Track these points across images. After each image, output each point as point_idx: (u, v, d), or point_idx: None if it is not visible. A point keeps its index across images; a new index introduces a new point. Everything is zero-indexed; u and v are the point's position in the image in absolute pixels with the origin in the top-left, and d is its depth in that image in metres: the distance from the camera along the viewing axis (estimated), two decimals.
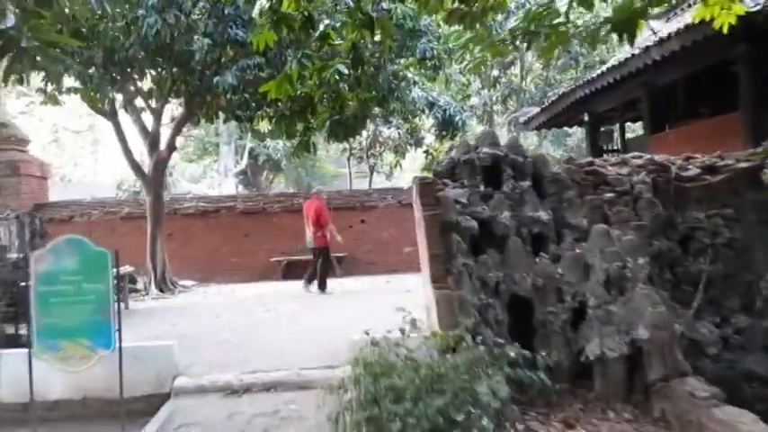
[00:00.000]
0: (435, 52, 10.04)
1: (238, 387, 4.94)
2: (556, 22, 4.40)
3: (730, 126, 7.78)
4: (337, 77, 5.48)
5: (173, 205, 13.67)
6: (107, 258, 4.53)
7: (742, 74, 7.44)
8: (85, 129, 28.64)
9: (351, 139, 15.14)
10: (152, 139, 11.62)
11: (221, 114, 10.91)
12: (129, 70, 10.17)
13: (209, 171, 29.41)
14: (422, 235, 5.21)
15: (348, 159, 20.60)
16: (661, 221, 5.39)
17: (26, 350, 4.51)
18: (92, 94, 10.08)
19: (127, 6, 8.45)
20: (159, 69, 10.44)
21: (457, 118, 13.61)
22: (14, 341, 5.76)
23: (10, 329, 6.14)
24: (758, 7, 5.93)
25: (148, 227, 11.55)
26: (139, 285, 11.35)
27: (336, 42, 5.99)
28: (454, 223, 5.05)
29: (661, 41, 7.40)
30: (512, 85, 20.53)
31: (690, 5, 9.25)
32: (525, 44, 4.54)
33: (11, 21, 3.51)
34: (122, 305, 8.59)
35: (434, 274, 4.88)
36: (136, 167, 11.86)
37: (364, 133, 17.02)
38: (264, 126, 13.07)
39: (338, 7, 7.76)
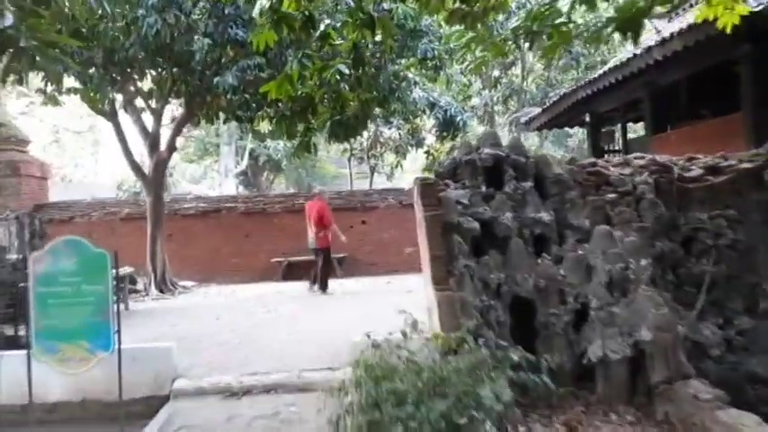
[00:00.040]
0: (436, 52, 10.02)
1: (238, 389, 4.92)
2: (558, 21, 4.37)
3: (733, 126, 7.74)
4: (338, 77, 5.45)
5: (173, 206, 13.65)
6: (106, 259, 4.50)
7: (745, 74, 7.40)
8: (86, 129, 28.64)
9: (351, 140, 15.12)
10: (152, 140, 11.60)
11: (222, 115, 10.89)
12: (129, 70, 10.15)
13: (209, 172, 29.41)
14: (423, 236, 5.18)
15: (349, 160, 20.59)
16: (664, 222, 5.35)
17: (25, 352, 4.48)
18: (92, 94, 10.06)
19: (127, 6, 8.44)
20: (159, 69, 10.42)
21: (458, 118, 13.60)
22: (14, 343, 5.74)
23: (9, 331, 6.12)
24: (761, 7, 5.89)
25: (148, 227, 11.53)
26: (139, 286, 11.33)
27: (337, 42, 5.96)
28: (456, 224, 5.02)
29: (663, 41, 7.37)
30: (513, 86, 20.50)
31: (691, 5, 9.22)
32: (527, 44, 4.51)
33: (8, 20, 3.48)
34: (122, 306, 8.57)
35: (436, 276, 4.85)
36: (136, 168, 11.85)
37: (365, 134, 17.00)
38: (265, 126, 13.06)
39: (339, 7, 7.74)
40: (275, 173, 26.18)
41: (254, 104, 10.08)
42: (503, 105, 21.24)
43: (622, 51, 14.22)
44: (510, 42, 4.81)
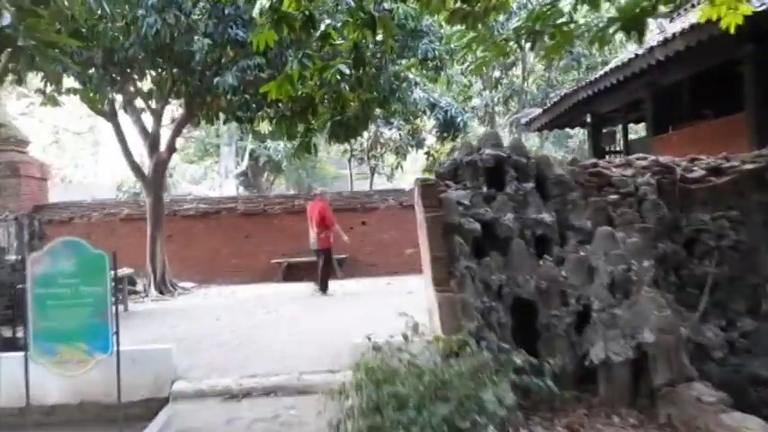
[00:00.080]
0: (437, 53, 10.00)
1: (238, 391, 4.89)
2: (560, 21, 4.35)
3: (735, 127, 7.70)
4: (338, 78, 5.42)
5: (173, 207, 13.63)
6: (105, 261, 4.47)
7: (747, 74, 7.36)
8: (86, 130, 28.64)
9: (352, 141, 15.12)
10: (152, 141, 11.58)
11: (222, 115, 10.87)
12: (128, 71, 10.12)
13: (209, 172, 29.39)
14: (424, 237, 5.15)
15: (349, 161, 20.57)
16: (666, 223, 5.32)
17: (23, 354, 4.45)
18: (91, 94, 10.04)
19: (126, 6, 8.41)
20: (159, 70, 10.40)
21: (458, 119, 13.59)
22: (12, 344, 5.72)
23: (7, 333, 6.10)
24: (765, 7, 5.86)
25: (148, 228, 11.50)
26: (139, 287, 11.31)
27: (338, 42, 5.94)
28: (457, 225, 4.99)
29: (665, 42, 7.33)
30: (513, 87, 20.46)
31: (693, 6, 9.19)
32: (529, 44, 4.48)
33: (6, 19, 3.46)
34: (121, 307, 8.54)
35: (437, 277, 4.82)
36: (136, 169, 11.82)
37: (365, 134, 17.00)
38: (265, 127, 13.04)
39: (339, 7, 7.71)
40: (275, 174, 26.15)
41: (254, 105, 10.05)
42: (503, 106, 21.20)
43: (623, 52, 14.19)
44: (512, 42, 4.77)
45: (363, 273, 13.21)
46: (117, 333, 4.49)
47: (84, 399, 4.90)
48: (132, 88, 11.06)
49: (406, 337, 3.87)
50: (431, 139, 18.65)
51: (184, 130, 14.64)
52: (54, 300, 4.38)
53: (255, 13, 4.70)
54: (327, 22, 5.60)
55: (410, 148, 18.64)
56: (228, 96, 9.29)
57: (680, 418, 3.95)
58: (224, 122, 12.88)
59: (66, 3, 4.97)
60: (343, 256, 12.99)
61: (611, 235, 4.91)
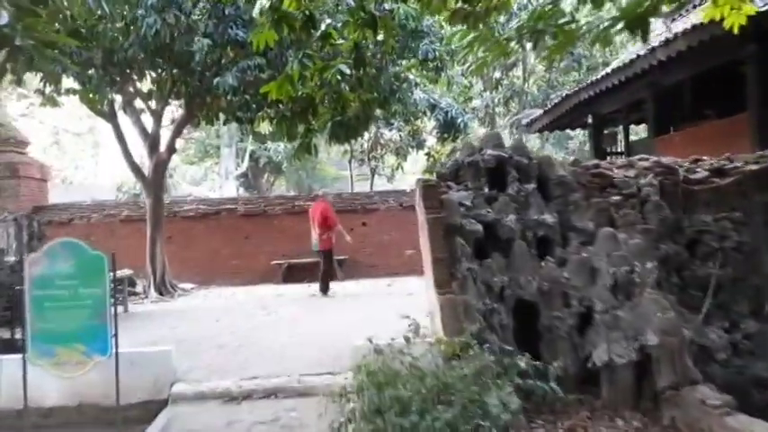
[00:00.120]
0: (437, 54, 9.97)
1: (238, 394, 4.85)
2: (562, 21, 4.31)
3: (738, 128, 7.67)
4: (339, 78, 5.38)
5: (173, 208, 13.61)
6: (103, 262, 4.45)
7: (750, 74, 7.33)
8: (86, 131, 28.65)
9: (352, 142, 15.09)
10: (152, 141, 11.55)
11: (222, 116, 10.84)
12: (128, 71, 10.09)
13: (209, 174, 29.39)
14: (425, 238, 5.11)
15: (349, 162, 20.55)
16: (668, 225, 5.28)
17: (21, 356, 4.42)
18: (91, 95, 10.01)
19: (126, 6, 8.38)
20: (159, 70, 10.37)
21: (459, 120, 13.57)
22: (11, 346, 5.68)
23: (6, 334, 6.07)
24: None
25: (148, 229, 11.48)
26: (139, 288, 11.28)
27: (338, 42, 5.90)
28: (458, 226, 4.96)
29: (667, 42, 7.30)
30: (514, 87, 20.44)
31: (695, 6, 9.17)
32: (531, 43, 4.44)
33: (4, 18, 3.43)
34: (121, 309, 8.51)
35: (438, 279, 4.78)
36: (136, 170, 11.80)
37: (365, 135, 16.98)
38: (265, 128, 13.02)
39: (340, 7, 7.68)
40: (276, 175, 26.13)
41: (254, 105, 10.03)
42: (504, 107, 21.19)
43: (624, 52, 14.16)
44: (513, 42, 4.74)
45: (364, 274, 13.19)
46: (116, 335, 4.46)
47: (82, 401, 4.86)
48: (132, 89, 11.03)
49: (407, 339, 3.83)
50: (431, 140, 18.64)
51: (184, 131, 14.62)
52: (52, 301, 4.36)
53: (255, 12, 4.67)
54: (328, 21, 5.58)
55: (410, 149, 18.63)
56: (228, 97, 9.26)
57: (684, 421, 3.91)
58: (224, 123, 12.86)
59: (65, 2, 4.94)
60: (344, 257, 12.96)
61: (614, 236, 4.88)
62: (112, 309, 4.51)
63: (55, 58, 4.79)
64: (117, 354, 4.46)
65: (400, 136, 18.14)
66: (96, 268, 4.42)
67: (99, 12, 6.63)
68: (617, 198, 5.37)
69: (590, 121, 12.48)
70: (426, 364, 3.50)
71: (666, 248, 5.17)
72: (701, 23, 6.00)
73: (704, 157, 5.80)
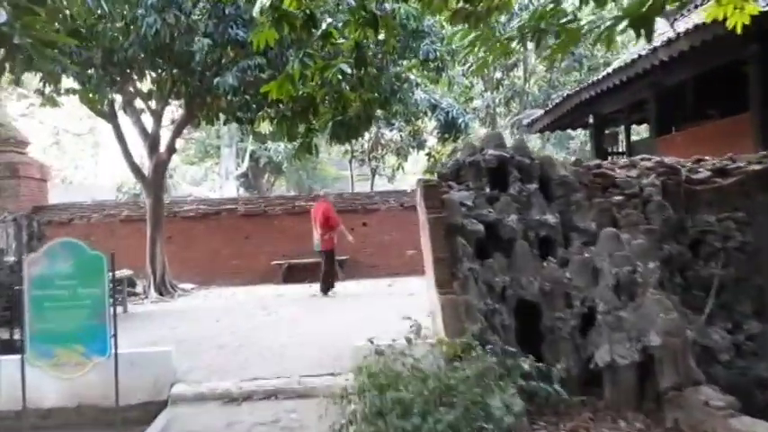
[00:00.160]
0: (438, 54, 9.94)
1: (238, 395, 4.82)
2: (563, 20, 4.28)
3: (741, 127, 7.64)
4: (340, 77, 5.35)
5: (173, 208, 13.58)
6: (103, 262, 4.42)
7: (753, 74, 7.30)
8: (86, 131, 28.61)
9: (353, 142, 15.07)
10: (152, 141, 11.53)
11: (222, 116, 10.81)
12: (128, 71, 10.06)
13: (210, 174, 29.37)
14: (426, 238, 5.09)
15: (350, 162, 20.52)
16: (671, 225, 5.26)
17: (19, 356, 4.39)
18: (90, 95, 9.98)
19: (126, 6, 8.36)
20: (159, 70, 10.34)
21: (459, 120, 13.55)
22: (10, 347, 5.65)
23: (5, 334, 6.04)
24: None
25: (148, 230, 11.45)
26: (139, 289, 11.26)
27: (339, 41, 5.88)
28: (459, 226, 4.93)
29: (669, 41, 7.28)
30: (515, 88, 20.41)
31: (696, 6, 9.14)
32: (534, 42, 4.42)
33: (2, 17, 3.40)
34: (121, 309, 8.49)
35: (439, 279, 4.76)
36: (135, 170, 11.78)
37: (366, 136, 16.95)
38: (266, 128, 12.99)
39: (341, 6, 7.65)
40: (276, 175, 26.10)
41: (254, 105, 10.00)
42: (505, 107, 21.16)
43: (625, 52, 14.14)
44: (515, 42, 4.71)
45: (364, 274, 13.17)
46: (115, 335, 4.44)
47: (81, 402, 4.83)
48: (132, 89, 11.00)
49: (408, 339, 3.80)
50: (432, 141, 18.61)
51: (184, 132, 14.59)
52: (51, 301, 4.34)
53: (256, 11, 4.64)
54: (329, 21, 5.55)
55: (411, 150, 18.60)
56: (229, 97, 9.23)
57: (687, 423, 3.89)
58: (224, 123, 12.83)
59: (64, 2, 4.93)
60: (344, 257, 12.94)
61: (616, 236, 4.86)
62: (112, 309, 4.49)
63: (54, 57, 4.77)
64: (116, 354, 4.43)
65: (401, 136, 18.12)
66: (95, 268, 4.40)
67: (99, 11, 6.63)
68: (619, 198, 5.36)
69: (591, 121, 12.45)
70: (428, 365, 3.48)
71: (669, 249, 5.15)
72: (704, 23, 5.97)
73: (707, 157, 5.78)
